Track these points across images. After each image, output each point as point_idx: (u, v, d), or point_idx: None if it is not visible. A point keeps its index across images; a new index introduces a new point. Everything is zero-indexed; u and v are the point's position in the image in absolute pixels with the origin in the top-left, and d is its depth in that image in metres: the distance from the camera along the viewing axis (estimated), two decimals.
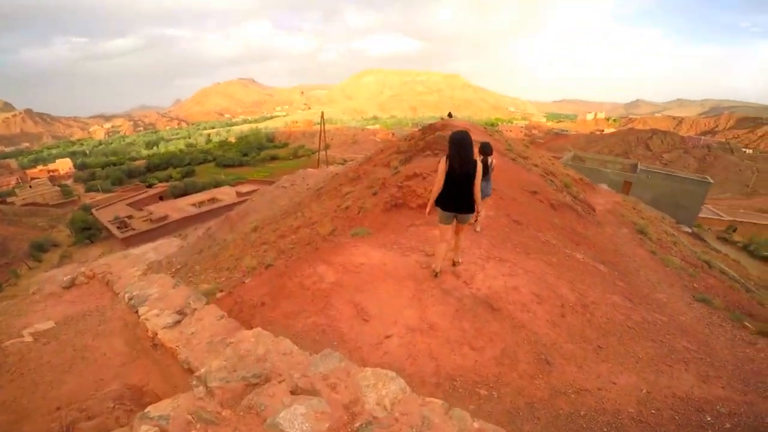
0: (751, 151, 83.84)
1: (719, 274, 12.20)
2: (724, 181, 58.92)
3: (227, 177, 63.58)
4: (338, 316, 3.95)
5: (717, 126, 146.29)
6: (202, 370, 2.42)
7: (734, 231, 28.19)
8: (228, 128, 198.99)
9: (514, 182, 10.01)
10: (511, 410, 2.88)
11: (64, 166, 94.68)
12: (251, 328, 3.93)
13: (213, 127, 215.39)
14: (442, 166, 3.83)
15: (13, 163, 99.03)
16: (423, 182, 7.96)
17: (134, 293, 4.30)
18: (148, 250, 27.83)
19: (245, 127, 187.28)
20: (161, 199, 47.82)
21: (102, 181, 69.01)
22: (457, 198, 3.93)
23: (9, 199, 53.31)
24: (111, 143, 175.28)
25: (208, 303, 3.96)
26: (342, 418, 2.13)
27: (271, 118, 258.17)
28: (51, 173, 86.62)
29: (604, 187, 22.51)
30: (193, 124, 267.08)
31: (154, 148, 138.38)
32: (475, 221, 5.90)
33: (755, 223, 30.04)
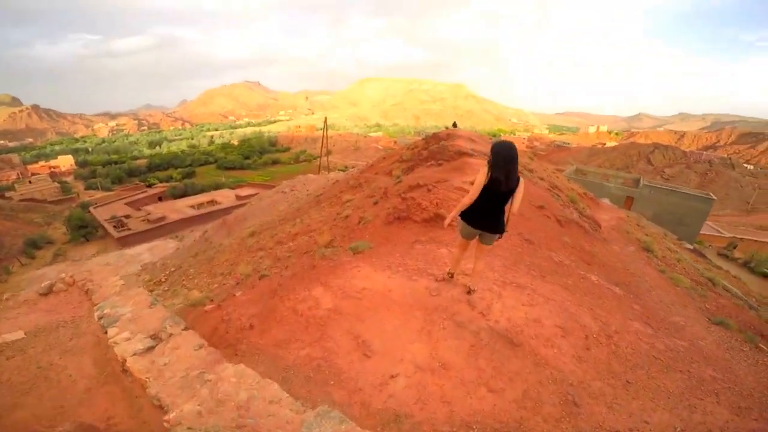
0: (752, 167, 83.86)
1: (723, 291, 11.92)
2: (724, 197, 58.70)
3: (228, 180, 63.40)
4: (336, 348, 3.56)
5: (719, 141, 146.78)
6: (172, 415, 2.10)
7: (734, 248, 27.95)
8: (231, 130, 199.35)
9: (522, 197, 9.74)
10: None
11: (65, 162, 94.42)
12: (237, 353, 3.60)
13: (216, 129, 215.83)
14: (481, 177, 3.36)
15: (15, 157, 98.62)
16: (428, 194, 7.67)
17: (105, 311, 3.92)
18: (144, 251, 27.60)
19: (248, 130, 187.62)
20: (160, 199, 47.49)
21: (102, 179, 68.78)
22: (489, 215, 3.53)
23: (7, 194, 52.85)
24: (114, 141, 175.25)
25: (186, 328, 3.58)
26: None
27: (275, 121, 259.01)
28: (52, 169, 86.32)
29: (606, 201, 22.27)
30: (197, 125, 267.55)
31: (157, 147, 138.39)
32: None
33: (755, 240, 29.80)
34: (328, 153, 52.76)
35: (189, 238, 28.55)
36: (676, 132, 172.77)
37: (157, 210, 37.78)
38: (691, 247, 21.42)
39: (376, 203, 9.87)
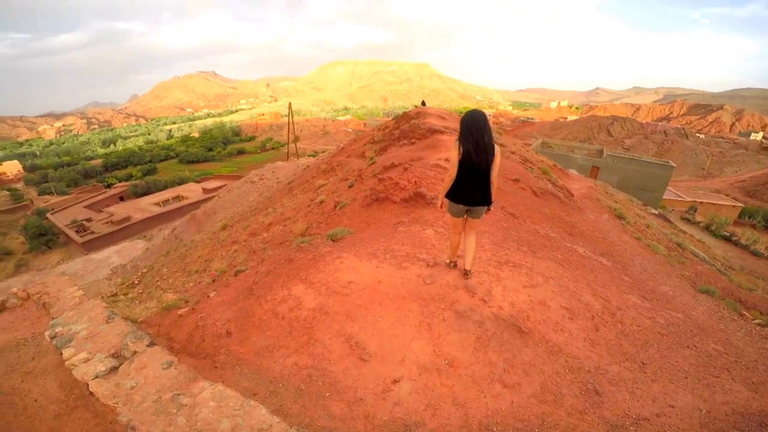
0: (703, 136, 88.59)
1: (693, 257, 12.43)
2: (681, 164, 61.83)
3: (192, 173, 60.79)
4: (327, 354, 3.19)
5: (671, 113, 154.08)
6: None
7: (695, 211, 29.53)
8: (190, 123, 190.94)
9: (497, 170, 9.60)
10: None
11: (11, 168, 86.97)
12: (216, 365, 3.14)
13: (174, 123, 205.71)
14: (455, 153, 3.25)
15: None
16: (405, 173, 7.34)
17: (57, 330, 3.34)
18: (112, 254, 26.26)
19: (209, 122, 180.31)
20: (122, 199, 45.18)
21: (56, 183, 64.15)
22: (472, 189, 3.34)
23: None
24: (63, 142, 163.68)
25: (151, 344, 3.08)
26: None
27: (236, 111, 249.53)
28: None
29: (574, 172, 22.81)
30: (152, 120, 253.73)
31: (111, 146, 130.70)
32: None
33: (713, 203, 31.54)
34: (296, 139, 51.28)
35: (158, 237, 27.37)
36: (632, 105, 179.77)
37: (120, 210, 35.95)
38: (656, 212, 22.36)
39: (351, 186, 9.47)
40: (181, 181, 51.49)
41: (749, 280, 11.12)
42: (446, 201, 3.56)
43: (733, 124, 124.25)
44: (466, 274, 3.87)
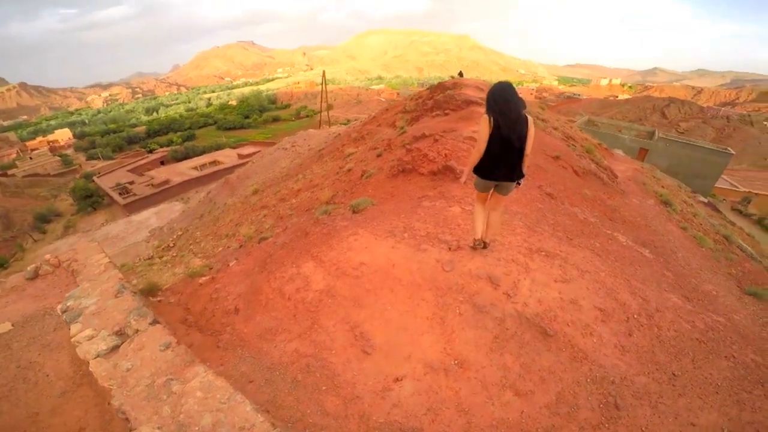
0: None
1: (740, 252, 11.34)
2: (741, 152, 56.59)
3: (228, 140, 62.16)
4: (329, 343, 2.96)
5: (738, 98, 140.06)
6: None
7: (749, 203, 27.10)
8: (229, 91, 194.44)
9: (536, 146, 8.92)
10: None
11: (63, 136, 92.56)
12: (219, 344, 3.07)
13: (213, 91, 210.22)
14: (484, 126, 2.95)
15: (12, 136, 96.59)
16: (435, 145, 6.91)
17: (68, 304, 3.32)
18: (151, 216, 27.58)
19: (246, 90, 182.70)
20: (162, 163, 47.11)
21: (102, 149, 67.69)
22: (502, 163, 3.07)
23: (10, 172, 52.28)
24: (110, 111, 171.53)
25: (153, 322, 2.97)
26: None
27: (273, 80, 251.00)
28: (51, 144, 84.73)
29: (620, 153, 21.29)
30: (192, 89, 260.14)
31: (154, 114, 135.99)
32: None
33: None
34: (329, 107, 50.88)
35: (194, 200, 28.40)
36: (693, 87, 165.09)
37: (160, 174, 37.55)
38: (706, 201, 20.69)
39: (379, 155, 9.15)
40: (218, 147, 52.84)
41: None
42: (473, 175, 3.27)
43: None
44: (484, 246, 3.61)
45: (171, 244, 17.17)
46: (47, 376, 3.18)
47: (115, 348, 2.77)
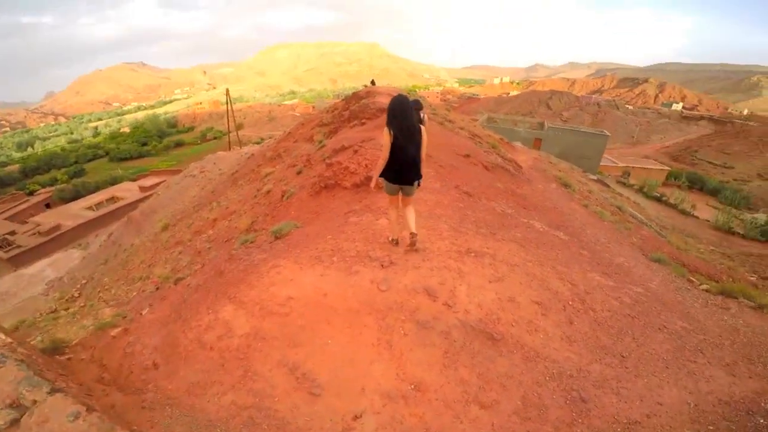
0: (632, 107, 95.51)
1: (632, 219, 13.23)
2: (613, 133, 66.29)
3: (126, 171, 55.93)
4: (269, 390, 2.68)
5: (603, 86, 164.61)
6: None
7: (629, 175, 31.87)
8: (119, 117, 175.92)
9: (447, 146, 9.46)
10: None
11: None
12: (143, 405, 2.56)
13: (100, 119, 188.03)
14: (386, 138, 3.44)
15: None
16: (355, 156, 6.92)
17: None
18: (45, 267, 23.81)
19: (140, 115, 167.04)
20: (48, 206, 40.72)
21: None
22: (402, 169, 3.56)
23: None
24: None
25: (52, 391, 2.47)
26: None
27: (171, 101, 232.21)
28: None
29: (519, 144, 23.56)
30: (74, 118, 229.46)
31: (29, 149, 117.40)
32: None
33: (644, 168, 34.20)
34: (239, 127, 48.52)
35: (95, 244, 25.49)
36: (568, 79, 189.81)
37: (47, 219, 32.40)
38: (595, 178, 23.76)
39: (299, 173, 8.92)
40: (115, 181, 47.42)
41: (682, 239, 12.05)
42: (381, 181, 3.69)
43: (656, 95, 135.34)
44: (412, 236, 3.82)
45: (76, 294, 15.28)
46: None
47: (14, 421, 2.25)
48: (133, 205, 29.95)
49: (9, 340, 3.27)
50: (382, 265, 3.67)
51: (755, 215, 21.68)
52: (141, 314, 4.49)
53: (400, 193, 3.73)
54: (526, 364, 2.79)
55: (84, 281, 16.31)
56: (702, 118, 77.70)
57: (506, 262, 3.80)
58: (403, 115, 3.43)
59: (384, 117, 11.77)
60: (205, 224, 11.50)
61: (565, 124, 52.49)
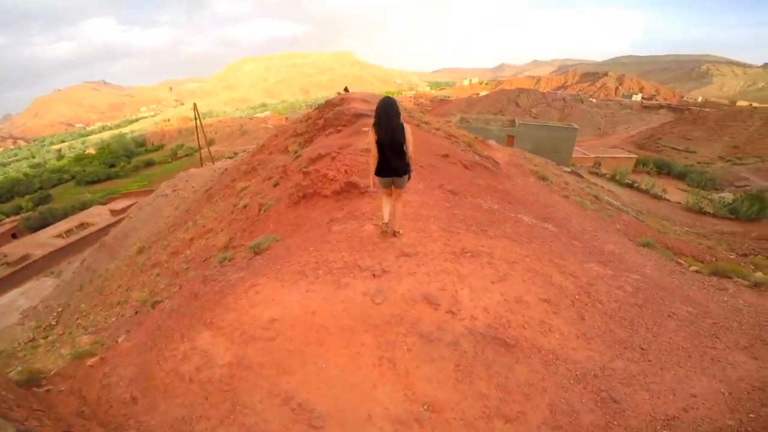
0: (595, 100, 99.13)
1: (609, 206, 13.51)
2: (581, 126, 68.51)
3: (95, 195, 53.69)
4: (262, 424, 2.37)
5: (566, 81, 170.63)
6: None
7: (600, 165, 32.82)
8: (83, 139, 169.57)
9: (425, 147, 9.41)
10: None
11: None
12: None
13: (63, 141, 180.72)
14: (372, 137, 3.71)
15: None
16: (333, 163, 6.72)
17: None
18: (17, 297, 22.87)
19: (105, 135, 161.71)
20: (15, 236, 38.71)
21: None
22: (391, 163, 3.78)
23: None
24: None
25: None
26: None
27: (137, 120, 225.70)
28: None
29: (493, 142, 23.93)
30: (35, 141, 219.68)
31: None
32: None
33: (613, 157, 35.33)
34: (210, 142, 47.46)
35: (68, 271, 24.63)
36: (533, 77, 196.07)
37: (15, 249, 30.90)
38: (569, 170, 24.31)
39: (276, 185, 8.64)
40: (84, 206, 45.42)
41: (659, 222, 12.37)
42: (376, 178, 3.89)
43: (617, 88, 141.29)
44: (395, 234, 4.07)
45: (53, 322, 15.14)
46: None
47: None
48: (105, 230, 28.94)
49: None
50: (373, 275, 3.40)
51: (722, 195, 22.71)
52: (117, 342, 4.16)
53: (393, 186, 3.94)
54: (547, 368, 2.60)
55: (60, 309, 16.09)
56: (661, 107, 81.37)
57: (505, 260, 3.65)
58: (387, 117, 3.65)
59: (360, 122, 11.65)
60: (181, 244, 11.08)
61: (534, 120, 53.90)
